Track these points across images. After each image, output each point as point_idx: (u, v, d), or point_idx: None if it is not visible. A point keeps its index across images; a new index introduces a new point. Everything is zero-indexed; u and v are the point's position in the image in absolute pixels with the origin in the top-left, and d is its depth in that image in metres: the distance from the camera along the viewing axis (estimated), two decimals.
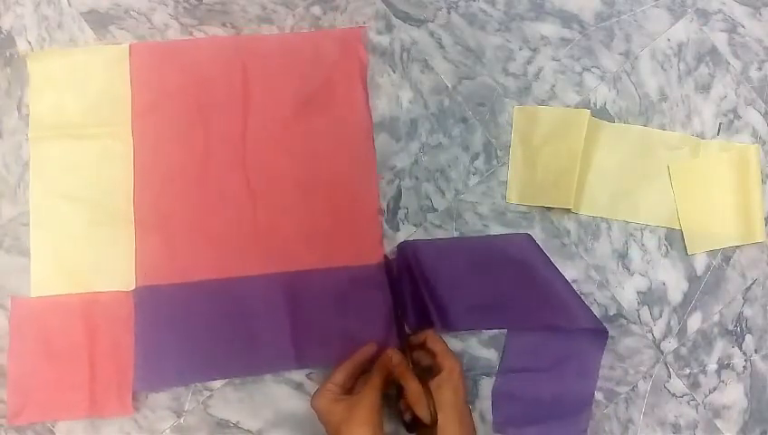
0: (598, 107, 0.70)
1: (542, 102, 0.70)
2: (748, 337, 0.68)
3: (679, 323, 0.68)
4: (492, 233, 0.68)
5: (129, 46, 0.68)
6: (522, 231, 0.68)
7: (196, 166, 0.67)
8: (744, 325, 0.68)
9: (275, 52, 0.69)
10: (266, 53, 0.69)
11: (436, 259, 0.65)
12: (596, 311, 0.67)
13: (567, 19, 0.71)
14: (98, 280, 0.65)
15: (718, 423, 0.67)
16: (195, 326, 0.64)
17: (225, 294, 0.65)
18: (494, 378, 0.66)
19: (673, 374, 0.68)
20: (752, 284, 0.69)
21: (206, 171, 0.67)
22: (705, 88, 0.70)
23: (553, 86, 0.70)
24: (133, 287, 0.65)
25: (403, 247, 0.66)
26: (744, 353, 0.68)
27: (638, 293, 0.68)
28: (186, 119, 0.67)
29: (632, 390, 0.67)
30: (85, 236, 0.66)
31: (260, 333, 0.64)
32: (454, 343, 0.67)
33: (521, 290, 0.65)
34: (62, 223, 0.66)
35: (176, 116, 0.67)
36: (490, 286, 0.66)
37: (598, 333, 0.64)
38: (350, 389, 0.59)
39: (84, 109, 0.67)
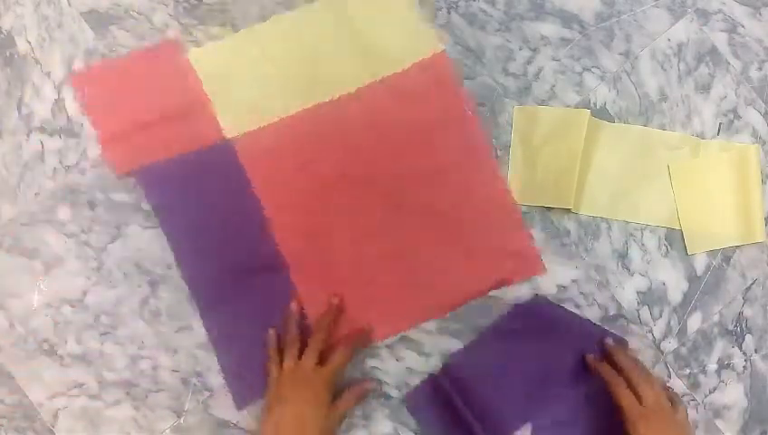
0: (598, 107, 0.70)
1: (542, 102, 0.69)
2: (748, 337, 0.68)
3: (679, 323, 0.68)
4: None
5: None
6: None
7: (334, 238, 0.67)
8: (743, 325, 0.68)
9: (392, 97, 0.68)
10: (383, 100, 0.68)
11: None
12: (596, 311, 0.67)
13: (567, 19, 0.71)
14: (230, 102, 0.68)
15: (718, 423, 0.67)
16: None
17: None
18: None
19: (673, 374, 0.68)
20: (752, 284, 0.69)
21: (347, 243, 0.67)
22: (705, 88, 0.70)
23: (553, 86, 0.70)
24: (230, 136, 0.67)
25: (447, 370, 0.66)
26: (744, 353, 0.68)
27: (638, 293, 0.68)
28: (312, 193, 0.67)
29: None
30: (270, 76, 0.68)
31: None
32: (454, 343, 0.67)
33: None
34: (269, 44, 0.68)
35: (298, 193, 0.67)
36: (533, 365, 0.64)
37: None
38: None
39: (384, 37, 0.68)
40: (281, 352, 0.63)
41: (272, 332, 0.65)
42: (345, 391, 0.62)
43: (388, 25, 0.68)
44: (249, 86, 0.68)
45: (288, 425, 0.58)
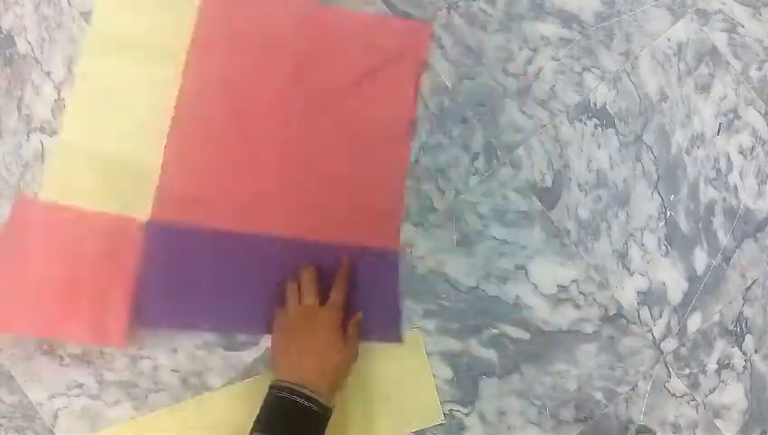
0: (598, 107, 0.70)
1: (542, 102, 0.69)
2: (748, 337, 0.68)
3: (679, 323, 0.68)
4: (492, 234, 0.68)
5: None
6: (523, 231, 0.68)
7: (239, 113, 0.67)
8: (743, 325, 0.68)
9: (338, 27, 0.69)
10: (330, 26, 0.69)
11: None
12: (596, 311, 0.67)
13: (567, 19, 0.71)
14: (114, 200, 0.64)
15: (718, 423, 0.67)
16: (200, 274, 0.65)
17: (237, 248, 0.65)
18: (494, 378, 0.66)
19: (673, 374, 0.68)
20: (752, 284, 0.69)
21: (247, 121, 0.67)
22: (705, 88, 0.70)
23: (553, 86, 0.70)
24: (148, 217, 0.65)
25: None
26: (744, 353, 0.68)
27: (638, 293, 0.68)
28: (240, 66, 0.68)
29: (632, 390, 0.67)
30: (114, 153, 0.65)
31: (263, 293, 0.65)
32: (452, 342, 0.67)
33: None
34: (97, 137, 0.66)
35: (232, 61, 0.68)
36: None
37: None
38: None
39: (145, 31, 0.67)
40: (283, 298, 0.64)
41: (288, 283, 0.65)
42: (348, 327, 0.62)
43: None
44: None
45: (311, 358, 0.58)
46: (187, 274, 0.65)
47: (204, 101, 0.67)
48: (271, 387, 0.57)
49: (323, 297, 0.63)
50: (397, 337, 0.66)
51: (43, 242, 0.64)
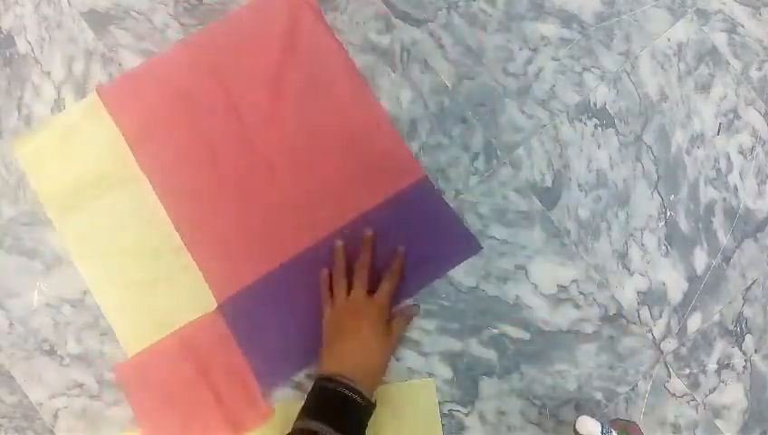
0: (598, 107, 0.70)
1: (542, 102, 0.69)
2: (748, 337, 0.68)
3: (679, 323, 0.68)
4: (492, 234, 0.68)
5: (96, 90, 0.68)
6: (523, 231, 0.68)
7: (210, 170, 0.67)
8: (744, 325, 0.68)
9: (227, 35, 0.69)
10: (221, 40, 0.69)
11: None
12: (596, 311, 0.67)
13: (567, 19, 0.71)
14: (181, 315, 0.65)
15: (718, 423, 0.67)
16: (279, 316, 0.66)
17: (291, 276, 0.66)
18: (494, 378, 0.66)
19: (673, 374, 0.68)
20: (752, 284, 0.69)
21: (221, 171, 0.67)
22: (705, 88, 0.70)
23: (553, 86, 0.70)
24: (215, 306, 0.65)
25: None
26: (744, 353, 0.68)
27: (638, 293, 0.68)
28: (181, 132, 0.68)
29: (632, 390, 0.67)
30: (148, 282, 0.66)
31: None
32: (452, 342, 0.67)
33: None
34: (121, 279, 0.66)
35: (171, 133, 0.68)
36: None
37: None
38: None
39: (88, 168, 0.67)
40: (331, 291, 0.65)
41: (325, 271, 0.66)
42: (395, 317, 0.64)
43: None
44: None
45: (353, 354, 0.59)
46: (271, 323, 0.66)
47: (178, 183, 0.67)
48: (318, 378, 0.58)
49: (372, 286, 0.64)
50: (477, 247, 0.67)
51: (159, 382, 0.65)
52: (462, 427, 0.66)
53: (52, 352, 0.66)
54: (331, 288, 0.65)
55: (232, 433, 0.64)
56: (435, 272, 0.67)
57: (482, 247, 0.67)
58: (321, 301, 0.64)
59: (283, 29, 0.69)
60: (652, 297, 0.68)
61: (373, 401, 0.58)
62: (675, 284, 0.68)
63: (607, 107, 0.70)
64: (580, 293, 0.67)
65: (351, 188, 0.67)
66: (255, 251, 0.67)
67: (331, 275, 0.65)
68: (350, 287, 0.64)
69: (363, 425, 0.57)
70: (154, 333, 0.65)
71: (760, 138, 0.70)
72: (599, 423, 0.53)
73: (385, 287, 0.63)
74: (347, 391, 0.56)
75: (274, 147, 0.68)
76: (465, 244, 0.67)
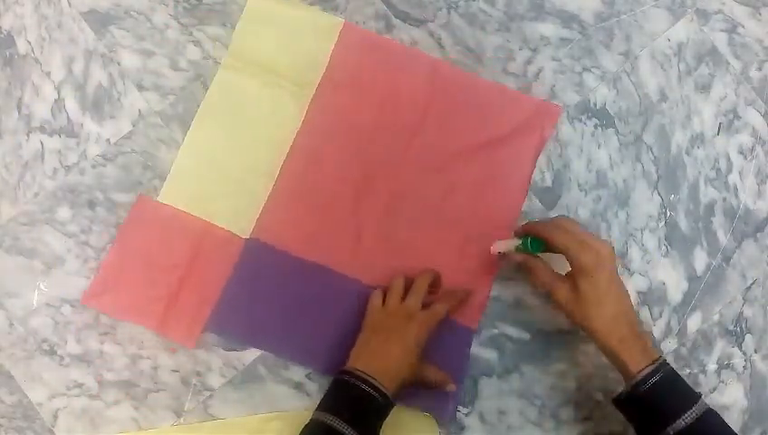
0: (598, 107, 0.70)
1: None
2: (748, 337, 0.68)
3: (679, 323, 0.68)
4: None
5: (343, 23, 0.69)
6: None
7: (355, 158, 0.68)
8: (744, 325, 0.68)
9: (467, 90, 0.69)
10: (458, 87, 0.69)
11: None
12: None
13: (567, 19, 0.71)
14: (220, 213, 0.67)
15: None
16: (278, 298, 0.66)
17: (329, 284, 0.66)
18: (494, 378, 0.66)
19: None
20: (752, 284, 0.69)
21: (360, 167, 0.68)
22: (705, 88, 0.70)
23: (553, 86, 0.70)
24: (247, 236, 0.66)
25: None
26: (744, 353, 0.68)
27: (638, 293, 0.68)
28: (362, 111, 0.69)
29: None
30: (229, 170, 0.68)
31: (332, 330, 0.65)
32: None
33: None
34: (215, 150, 0.68)
35: (355, 105, 0.69)
36: None
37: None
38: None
39: (280, 58, 0.69)
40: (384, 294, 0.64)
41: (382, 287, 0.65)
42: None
43: None
44: None
45: (391, 352, 0.59)
46: (267, 294, 0.66)
47: (323, 139, 0.68)
48: (340, 371, 0.58)
49: (425, 304, 0.62)
50: (449, 416, 0.65)
51: (157, 238, 0.67)
52: (462, 427, 0.66)
53: (51, 352, 0.66)
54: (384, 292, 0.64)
55: (156, 325, 0.65)
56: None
57: (454, 419, 0.65)
58: (368, 302, 0.64)
59: (512, 127, 0.69)
60: (652, 297, 0.68)
61: (392, 400, 0.57)
62: (675, 284, 0.68)
63: (607, 107, 0.70)
64: None
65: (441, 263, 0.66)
66: (316, 240, 0.67)
67: (384, 292, 0.64)
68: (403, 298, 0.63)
69: (380, 421, 0.57)
70: (190, 206, 0.67)
71: (760, 138, 0.70)
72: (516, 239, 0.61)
73: (438, 308, 0.61)
74: (365, 387, 0.56)
75: (414, 192, 0.68)
76: (444, 406, 0.65)
